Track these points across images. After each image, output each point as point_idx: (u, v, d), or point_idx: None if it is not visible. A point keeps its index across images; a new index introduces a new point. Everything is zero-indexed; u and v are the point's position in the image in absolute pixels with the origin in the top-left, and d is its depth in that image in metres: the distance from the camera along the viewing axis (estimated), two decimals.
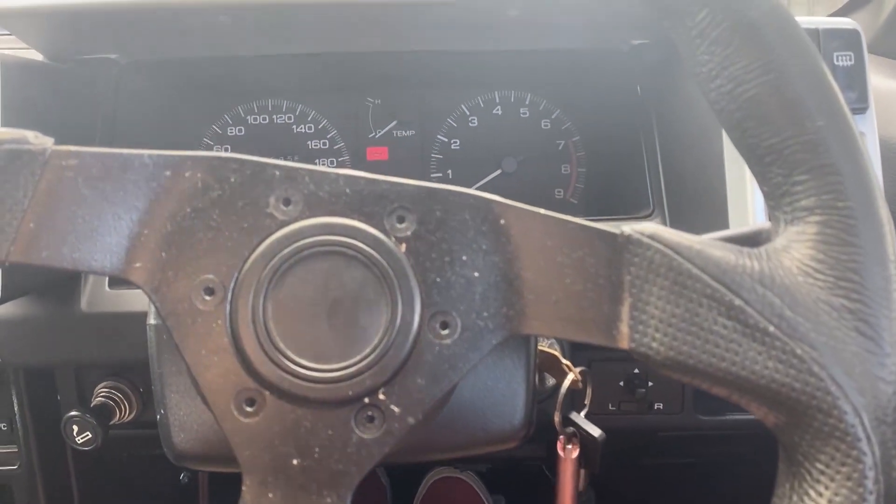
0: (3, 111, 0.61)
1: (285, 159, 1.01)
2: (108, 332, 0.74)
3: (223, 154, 0.38)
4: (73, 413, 0.76)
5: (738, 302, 0.35)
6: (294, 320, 0.37)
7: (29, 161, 0.36)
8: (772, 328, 0.34)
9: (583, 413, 0.64)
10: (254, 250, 0.38)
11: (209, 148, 1.00)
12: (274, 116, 1.00)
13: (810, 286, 0.35)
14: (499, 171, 1.00)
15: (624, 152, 0.90)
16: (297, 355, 0.37)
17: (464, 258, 0.38)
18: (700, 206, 0.72)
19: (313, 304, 0.38)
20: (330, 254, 0.38)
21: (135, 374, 0.81)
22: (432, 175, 1.01)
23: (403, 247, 0.38)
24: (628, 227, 0.37)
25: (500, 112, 1.01)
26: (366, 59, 0.90)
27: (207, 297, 0.37)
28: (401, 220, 0.38)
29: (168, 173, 0.38)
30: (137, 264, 0.37)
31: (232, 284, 0.37)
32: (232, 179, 0.38)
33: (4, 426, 0.86)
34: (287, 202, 0.38)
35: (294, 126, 1.01)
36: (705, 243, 0.36)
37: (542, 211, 0.38)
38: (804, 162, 0.35)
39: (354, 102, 1.01)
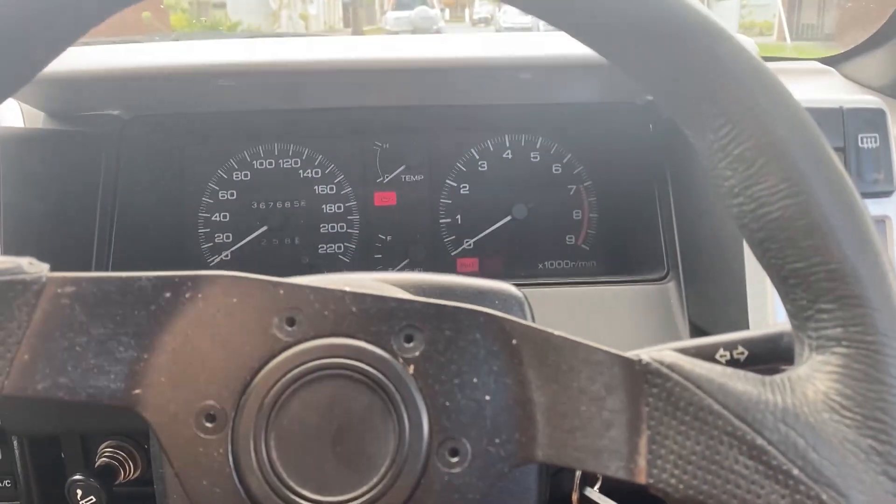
0: (2, 184, 0.60)
1: (292, 204, 1.00)
2: None
3: (225, 273, 0.37)
4: (76, 477, 0.75)
5: (760, 441, 0.33)
6: (298, 448, 0.36)
7: (23, 291, 0.35)
8: (795, 471, 0.32)
9: (597, 486, 0.62)
10: (256, 374, 0.36)
11: (215, 194, 0.98)
12: (280, 161, 0.99)
13: (836, 424, 0.33)
14: (509, 218, 0.98)
15: (637, 201, 0.89)
16: (300, 487, 0.36)
17: (474, 380, 0.36)
18: (716, 275, 0.70)
19: (318, 431, 0.36)
20: (335, 377, 0.36)
21: (139, 434, 0.80)
22: (441, 220, 0.99)
23: (411, 368, 0.36)
24: (646, 354, 0.35)
25: (510, 156, 0.99)
26: (373, 108, 0.89)
27: (209, 424, 0.36)
28: (409, 339, 0.37)
29: (168, 295, 0.36)
30: (137, 391, 0.36)
31: (234, 411, 0.36)
32: (234, 300, 0.36)
33: (8, 483, 0.85)
34: (291, 322, 0.37)
35: (301, 171, 0.99)
36: (727, 375, 0.34)
37: (557, 332, 0.36)
38: (831, 291, 0.34)
39: (362, 146, 0.99)
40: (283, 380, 0.36)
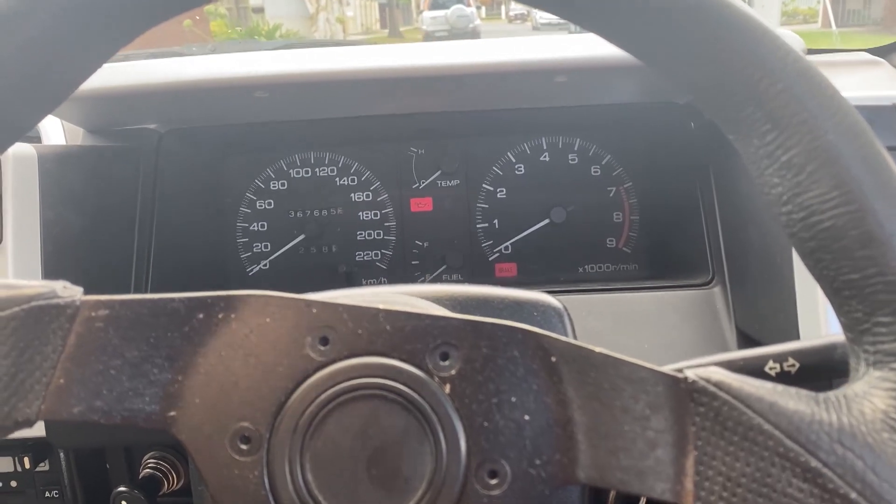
0: (42, 202, 0.61)
1: (328, 212, 0.99)
2: None
3: (257, 292, 0.36)
4: (121, 489, 0.76)
5: (814, 463, 0.31)
6: (333, 471, 0.35)
7: (58, 315, 0.35)
8: (854, 494, 0.31)
9: None
10: (290, 395, 0.36)
11: (252, 204, 0.99)
12: (317, 169, 0.99)
13: None
14: (546, 221, 0.97)
15: (680, 203, 0.86)
16: None
17: (513, 399, 0.35)
18: (765, 281, 0.67)
19: (353, 454, 0.35)
20: (369, 397, 0.35)
21: (182, 445, 0.80)
22: (478, 225, 0.98)
23: (447, 388, 0.35)
24: (692, 372, 0.34)
25: (547, 159, 0.98)
26: (408, 115, 0.88)
27: (243, 446, 0.35)
28: (444, 357, 0.36)
29: (200, 316, 0.36)
30: (172, 413, 0.36)
31: (268, 433, 0.35)
32: (267, 319, 0.36)
33: (56, 493, 0.86)
34: (325, 341, 0.36)
35: (337, 179, 0.99)
36: (778, 393, 0.33)
37: (598, 349, 0.35)
38: (888, 304, 0.32)
39: (397, 153, 0.99)
40: (318, 401, 0.35)
